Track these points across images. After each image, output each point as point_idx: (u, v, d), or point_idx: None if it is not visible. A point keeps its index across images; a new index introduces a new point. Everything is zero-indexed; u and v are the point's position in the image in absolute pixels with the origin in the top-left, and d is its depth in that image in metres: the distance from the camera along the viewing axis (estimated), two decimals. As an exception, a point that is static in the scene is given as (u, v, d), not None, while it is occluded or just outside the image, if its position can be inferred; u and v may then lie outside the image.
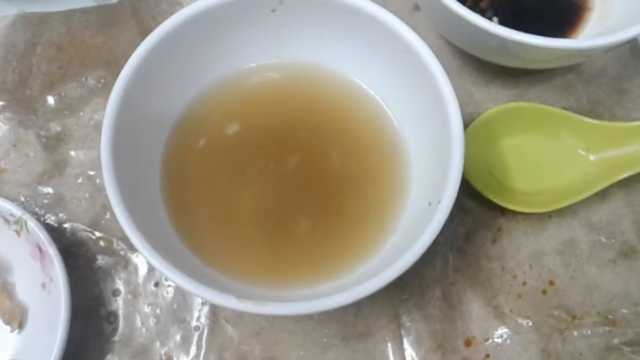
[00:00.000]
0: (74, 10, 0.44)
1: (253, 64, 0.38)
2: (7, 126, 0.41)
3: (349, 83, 0.38)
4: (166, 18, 0.43)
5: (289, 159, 0.37)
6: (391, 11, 0.33)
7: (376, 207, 0.36)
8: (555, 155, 0.41)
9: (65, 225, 0.39)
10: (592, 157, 0.40)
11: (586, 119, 0.40)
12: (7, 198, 0.39)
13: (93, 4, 0.45)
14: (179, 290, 0.38)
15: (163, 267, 0.29)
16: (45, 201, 0.39)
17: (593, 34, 0.41)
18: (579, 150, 0.40)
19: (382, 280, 0.29)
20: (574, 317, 0.38)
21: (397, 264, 0.29)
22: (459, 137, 0.31)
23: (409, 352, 0.37)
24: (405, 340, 0.37)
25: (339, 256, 0.35)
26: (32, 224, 0.35)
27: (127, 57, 0.42)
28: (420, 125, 0.36)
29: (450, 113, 0.32)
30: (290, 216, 0.36)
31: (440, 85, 0.32)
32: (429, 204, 0.32)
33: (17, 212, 0.35)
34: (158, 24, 0.43)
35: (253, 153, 0.37)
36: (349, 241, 0.35)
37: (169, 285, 0.38)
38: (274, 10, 0.35)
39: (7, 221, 0.36)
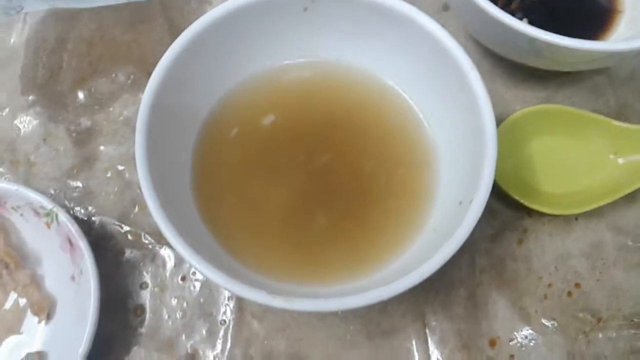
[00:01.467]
0: (105, 7, 0.45)
1: (285, 62, 0.39)
2: (37, 120, 0.42)
3: (378, 82, 0.38)
4: (195, 16, 0.44)
5: (319, 157, 0.37)
6: (420, 10, 0.34)
7: (405, 206, 0.36)
8: (583, 158, 0.41)
9: (94, 219, 0.40)
10: (620, 161, 0.41)
11: (615, 122, 0.40)
12: (37, 190, 0.40)
13: (124, 1, 0.46)
14: (205, 284, 0.38)
15: (196, 261, 0.29)
16: (75, 195, 0.40)
17: (624, 37, 0.42)
18: (607, 154, 0.41)
19: (412, 279, 0.29)
20: (599, 320, 0.38)
21: (428, 262, 0.29)
22: (492, 138, 0.31)
23: (434, 350, 0.37)
24: (429, 339, 0.38)
25: (368, 253, 0.35)
26: (62, 216, 0.36)
27: (156, 54, 0.43)
28: (450, 125, 0.36)
29: (483, 114, 0.32)
30: (319, 213, 0.36)
31: (473, 85, 0.33)
32: (460, 203, 0.33)
33: (48, 204, 0.36)
34: (187, 21, 0.44)
35: (283, 150, 0.38)
36: (378, 239, 0.36)
37: (196, 280, 0.38)
38: (305, 9, 0.36)
39: (38, 213, 0.37)
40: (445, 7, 0.45)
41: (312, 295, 0.32)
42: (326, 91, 0.39)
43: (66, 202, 0.40)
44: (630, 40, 0.37)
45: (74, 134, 0.42)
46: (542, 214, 0.40)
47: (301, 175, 0.37)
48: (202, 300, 0.38)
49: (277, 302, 0.29)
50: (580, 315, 0.38)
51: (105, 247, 0.39)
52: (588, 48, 0.36)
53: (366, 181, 0.37)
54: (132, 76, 0.43)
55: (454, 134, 0.36)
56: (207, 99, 0.37)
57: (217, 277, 0.29)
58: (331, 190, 0.37)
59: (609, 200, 0.39)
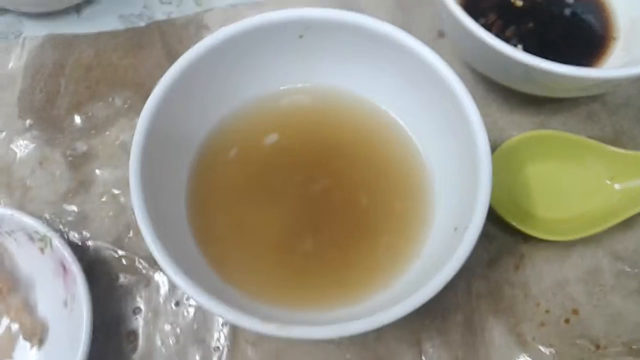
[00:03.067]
0: (103, 33, 0.46)
1: (280, 88, 0.39)
2: (34, 144, 0.42)
3: (374, 108, 0.39)
4: (193, 42, 0.45)
5: (314, 184, 0.38)
6: (415, 38, 0.35)
7: (400, 232, 0.37)
8: (580, 184, 0.41)
9: (89, 243, 0.40)
10: (617, 186, 0.41)
11: (611, 148, 0.41)
12: (32, 215, 0.40)
13: (121, 27, 0.47)
14: (199, 310, 0.38)
15: (190, 288, 0.30)
16: (70, 219, 0.41)
17: (618, 64, 0.42)
18: (604, 179, 0.41)
19: (409, 305, 0.29)
20: (597, 347, 0.38)
21: (424, 289, 0.30)
22: (486, 164, 0.32)
23: (430, 378, 0.37)
24: (426, 367, 0.38)
25: (363, 280, 0.35)
26: (56, 241, 0.36)
27: (153, 79, 0.44)
28: (446, 151, 0.37)
29: (478, 140, 0.32)
30: (314, 240, 0.37)
31: (468, 113, 0.33)
32: (455, 229, 0.33)
33: (42, 229, 0.37)
34: (185, 47, 0.44)
35: (279, 176, 0.38)
36: (373, 265, 0.36)
37: (189, 305, 0.39)
38: (301, 36, 0.37)
39: (32, 238, 0.37)
40: (441, 34, 0.46)
41: (307, 322, 0.32)
42: (323, 117, 0.39)
43: (61, 227, 0.40)
44: (624, 67, 0.37)
45: (70, 158, 0.42)
46: (539, 240, 0.40)
47: (296, 201, 0.38)
48: (195, 326, 0.38)
49: (270, 329, 0.29)
50: (579, 342, 0.38)
51: (99, 271, 0.39)
52: (582, 75, 0.36)
53: (361, 210, 0.37)
54: (129, 101, 0.44)
55: (449, 160, 0.37)
56: (203, 124, 0.38)
57: (211, 305, 0.29)
58: (326, 218, 0.37)
59: (606, 226, 0.39)
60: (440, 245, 0.35)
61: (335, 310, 0.35)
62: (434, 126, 0.37)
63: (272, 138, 0.39)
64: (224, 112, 0.38)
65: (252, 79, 0.38)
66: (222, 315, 0.30)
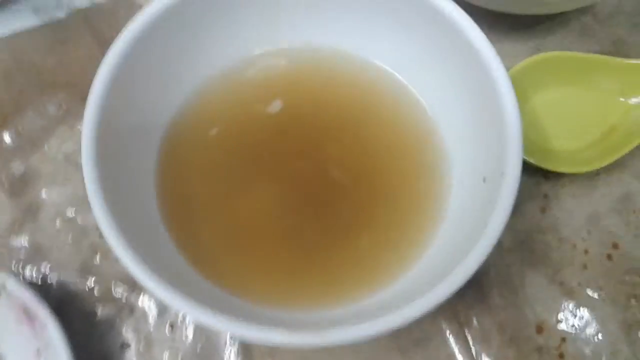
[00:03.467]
0: (17, 34, 0.39)
1: (255, 52, 0.34)
2: (-39, 176, 0.35)
3: (365, 64, 0.34)
4: (126, 25, 0.39)
5: (307, 163, 0.33)
6: None
7: (414, 198, 0.32)
8: (592, 106, 0.37)
9: (51, 279, 0.34)
10: (633, 101, 0.37)
11: (618, 60, 0.37)
12: (-25, 258, 0.34)
13: (37, 22, 0.40)
14: (199, 329, 0.33)
15: (193, 309, 0.24)
16: (22, 255, 0.34)
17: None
18: (617, 97, 0.37)
19: (460, 277, 0.26)
20: (648, 279, 0.35)
21: (471, 254, 0.26)
22: (508, 94, 0.28)
23: (479, 352, 0.33)
24: (470, 339, 0.33)
25: (382, 260, 0.31)
26: (11, 285, 0.30)
27: (87, 74, 0.37)
28: (452, 95, 0.32)
29: (495, 76, 0.28)
30: (314, 226, 0.32)
31: (478, 47, 0.29)
32: (484, 179, 0.29)
33: (-9, 272, 0.30)
34: (119, 31, 0.39)
35: (262, 159, 0.33)
36: (391, 240, 0.31)
37: (186, 326, 0.33)
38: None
39: (-19, 286, 0.31)
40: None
41: (331, 323, 0.27)
42: (306, 81, 0.34)
43: (13, 266, 0.34)
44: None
45: (6, 184, 0.35)
46: (559, 175, 0.36)
47: (287, 184, 0.32)
48: (199, 348, 0.32)
49: (304, 338, 0.24)
50: (627, 278, 0.34)
51: (70, 309, 0.33)
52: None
53: (365, 184, 0.33)
54: (63, 105, 0.37)
55: (456, 104, 0.32)
56: (163, 110, 0.32)
57: (222, 323, 0.24)
58: (330, 193, 0.32)
59: (629, 147, 0.35)
60: (468, 202, 0.30)
61: (364, 301, 0.30)
62: (432, 69, 0.32)
63: (250, 112, 0.33)
64: (188, 90, 0.33)
65: (217, 44, 0.32)
66: (241, 334, 0.24)
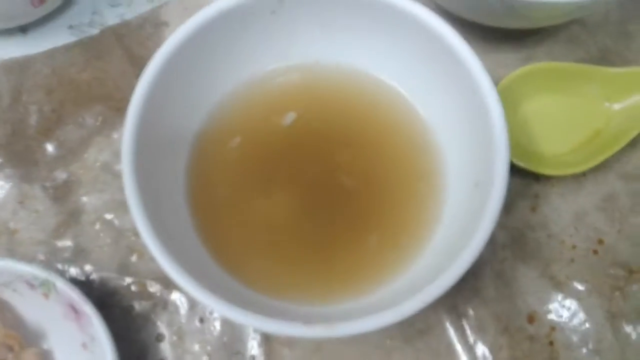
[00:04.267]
0: (55, 49, 0.40)
1: (269, 68, 0.34)
2: (10, 184, 0.36)
3: (370, 78, 0.34)
4: (153, 41, 0.39)
5: (319, 170, 0.33)
6: None
7: (415, 199, 0.33)
8: (579, 112, 0.37)
9: (93, 277, 0.35)
10: (616, 107, 0.37)
11: (603, 69, 0.37)
12: (25, 259, 0.35)
13: (73, 38, 0.40)
14: (226, 322, 0.34)
15: (220, 305, 0.26)
16: (66, 255, 0.35)
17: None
18: (602, 102, 0.37)
19: (456, 272, 0.26)
20: (630, 272, 0.35)
21: (465, 252, 0.26)
22: (496, 107, 0.28)
23: (475, 340, 0.34)
24: (468, 330, 0.34)
25: (388, 257, 0.32)
26: (60, 283, 0.31)
27: (121, 88, 0.39)
28: (445, 104, 0.32)
29: (481, 85, 0.29)
30: (329, 224, 0.33)
31: (464, 61, 0.29)
32: (476, 184, 0.29)
33: (41, 274, 0.31)
34: (146, 47, 0.39)
35: (279, 166, 0.33)
36: (395, 239, 0.32)
37: (214, 319, 0.34)
38: (273, 12, 0.31)
39: (32, 285, 0.32)
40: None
41: (341, 315, 0.28)
42: (315, 93, 0.34)
43: (59, 266, 0.35)
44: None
45: (51, 191, 0.36)
46: (549, 177, 0.36)
47: (303, 187, 0.33)
48: (225, 339, 0.34)
49: (317, 331, 0.25)
50: (611, 271, 0.35)
51: (110, 304, 0.34)
52: (563, 1, 0.32)
53: (372, 187, 0.33)
54: (100, 117, 0.38)
55: (450, 114, 0.32)
56: (190, 123, 0.33)
57: (245, 317, 0.26)
58: (338, 194, 0.33)
59: (614, 150, 0.36)
60: (462, 204, 0.31)
61: (366, 296, 0.31)
62: (430, 81, 0.32)
63: (267, 123, 0.34)
64: (211, 104, 0.33)
65: (233, 64, 0.33)
66: (261, 327, 0.26)
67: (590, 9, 0.37)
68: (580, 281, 0.35)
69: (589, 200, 0.37)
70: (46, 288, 0.32)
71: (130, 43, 0.40)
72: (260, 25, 0.32)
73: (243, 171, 0.33)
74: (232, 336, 0.34)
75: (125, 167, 0.28)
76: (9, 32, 0.40)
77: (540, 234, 0.36)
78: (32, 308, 0.33)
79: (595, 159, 0.36)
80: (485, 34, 0.40)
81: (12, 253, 0.35)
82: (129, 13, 0.41)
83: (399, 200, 0.33)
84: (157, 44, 0.39)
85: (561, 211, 0.36)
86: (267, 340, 0.34)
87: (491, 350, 0.33)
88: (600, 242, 0.36)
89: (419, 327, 0.34)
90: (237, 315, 0.26)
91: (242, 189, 0.33)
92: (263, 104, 0.34)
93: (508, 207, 0.36)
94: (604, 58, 0.40)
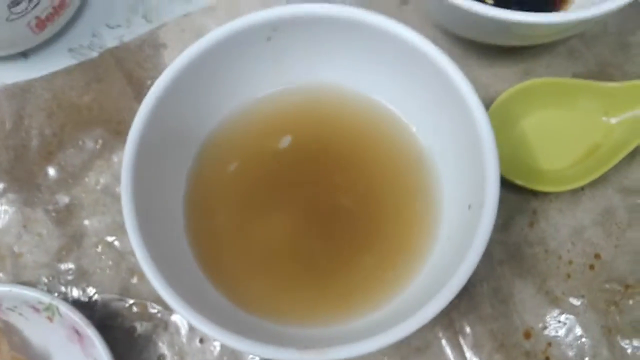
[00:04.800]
0: (55, 73, 0.41)
1: (266, 92, 0.35)
2: (13, 208, 0.38)
3: (358, 97, 0.35)
4: (152, 63, 0.40)
5: (316, 192, 0.34)
6: (377, 8, 0.31)
7: (411, 220, 0.33)
8: (576, 127, 0.38)
9: (95, 298, 0.36)
10: (613, 121, 0.38)
11: (600, 84, 0.37)
12: (29, 282, 0.36)
13: (74, 61, 0.41)
14: (225, 342, 0.35)
15: (211, 330, 0.27)
16: (69, 278, 0.36)
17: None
18: (599, 117, 0.38)
19: (448, 294, 0.27)
20: (626, 287, 0.36)
21: (458, 273, 0.27)
22: (487, 132, 0.29)
23: (471, 357, 0.35)
24: (464, 346, 0.35)
25: (384, 279, 0.32)
26: (64, 308, 0.32)
27: (120, 110, 0.40)
28: (439, 127, 0.33)
29: (471, 106, 0.29)
30: (325, 246, 0.33)
31: (456, 85, 0.30)
32: (469, 206, 0.30)
33: (45, 298, 0.33)
34: (145, 69, 0.40)
35: (276, 188, 0.34)
36: (392, 260, 0.33)
37: (214, 339, 0.35)
38: (269, 39, 0.32)
39: (37, 309, 0.33)
40: (404, 1, 0.41)
41: (339, 338, 0.29)
42: (312, 115, 0.35)
43: (62, 288, 0.36)
44: (601, 3, 0.33)
45: (53, 214, 0.38)
46: (547, 192, 0.37)
47: (299, 208, 0.34)
48: (225, 359, 0.35)
49: (310, 356, 0.26)
50: (607, 286, 0.36)
51: (112, 326, 0.35)
52: (560, 21, 0.33)
53: (368, 208, 0.34)
54: (100, 140, 0.39)
55: (443, 134, 0.33)
56: (188, 148, 0.34)
57: (238, 343, 0.26)
58: (335, 217, 0.34)
59: (612, 164, 0.36)
60: (457, 226, 0.31)
61: (361, 319, 0.31)
62: (424, 104, 0.33)
63: (264, 146, 0.35)
64: (208, 128, 0.34)
65: (230, 90, 0.34)
66: (255, 352, 0.27)
67: (585, 27, 0.37)
68: (577, 296, 0.36)
69: (586, 215, 0.37)
70: (50, 312, 0.33)
71: (128, 65, 0.41)
72: (256, 51, 0.33)
73: (240, 195, 0.34)
74: (232, 356, 0.35)
75: (124, 192, 0.29)
76: (10, 57, 0.42)
77: (537, 250, 0.36)
78: (37, 331, 0.34)
79: (594, 173, 0.36)
80: (483, 49, 0.40)
81: (17, 277, 0.36)
82: (128, 35, 0.42)
83: (395, 219, 0.34)
84: (156, 66, 0.40)
85: (559, 226, 0.37)
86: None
87: (487, 367, 0.34)
88: (597, 256, 0.36)
89: (416, 344, 0.35)
90: (231, 341, 0.26)
91: (239, 212, 0.34)
92: (259, 129, 0.35)
93: (506, 223, 0.37)
94: (603, 71, 0.40)
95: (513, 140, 0.38)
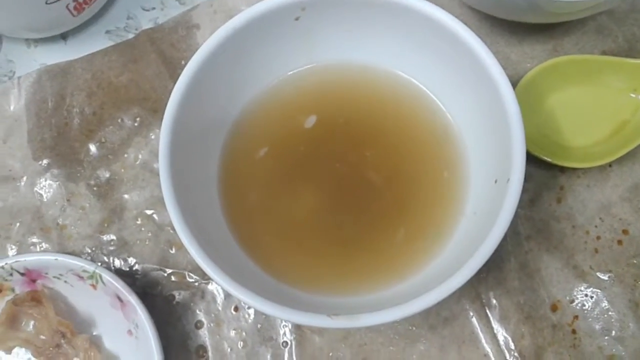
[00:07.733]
0: (94, 54, 0.44)
1: (290, 72, 0.38)
2: (57, 182, 0.42)
3: (389, 74, 0.38)
4: (186, 43, 0.44)
5: (345, 167, 0.37)
6: None
7: (439, 194, 0.36)
8: (605, 103, 0.40)
9: (136, 268, 0.40)
10: (642, 97, 0.40)
11: (629, 60, 0.39)
12: (73, 252, 0.40)
13: (110, 43, 0.45)
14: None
15: (247, 297, 0.29)
16: (111, 248, 0.40)
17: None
18: (628, 93, 0.40)
19: (473, 266, 0.29)
20: (654, 262, 0.38)
21: (483, 246, 0.29)
22: (514, 108, 0.31)
23: (498, 329, 0.37)
24: (491, 318, 0.37)
25: (411, 251, 0.35)
26: (107, 276, 0.36)
27: (156, 89, 0.43)
28: (466, 103, 0.35)
29: (500, 86, 0.31)
30: (355, 219, 0.36)
31: (483, 60, 0.32)
32: (495, 181, 0.32)
33: (90, 267, 0.36)
34: (179, 50, 0.44)
35: (305, 163, 0.37)
36: (419, 233, 0.35)
37: (248, 307, 0.38)
38: (297, 19, 0.35)
39: (81, 277, 0.37)
40: (434, -20, 0.44)
41: (369, 307, 0.32)
42: (339, 94, 0.38)
43: (104, 258, 0.40)
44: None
45: (95, 188, 0.41)
46: (575, 168, 0.39)
47: (330, 180, 0.37)
48: (259, 326, 0.38)
49: (340, 322, 0.29)
50: (635, 261, 0.38)
51: (152, 294, 0.39)
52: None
53: (396, 182, 0.37)
54: (138, 118, 0.43)
55: (472, 111, 0.35)
56: (221, 125, 0.37)
57: (277, 311, 0.29)
58: (366, 188, 0.37)
59: (639, 141, 0.38)
60: (483, 201, 0.34)
61: (391, 288, 0.34)
62: (451, 81, 0.36)
63: (293, 122, 0.38)
64: (239, 106, 0.38)
65: (258, 69, 0.37)
66: (289, 318, 0.29)
67: (613, 3, 0.39)
68: (604, 271, 0.38)
69: (614, 191, 0.39)
70: (94, 280, 0.37)
71: (162, 46, 0.44)
72: (284, 31, 0.36)
73: (271, 171, 0.37)
74: (266, 323, 0.38)
75: (162, 167, 0.32)
76: (51, 39, 0.46)
77: (565, 225, 0.39)
78: (82, 298, 0.38)
79: (621, 150, 0.39)
80: (512, 27, 0.43)
81: (62, 247, 0.40)
82: (162, 16, 0.45)
83: (424, 191, 0.37)
84: (189, 46, 0.43)
85: (586, 202, 0.39)
86: (298, 327, 0.38)
87: (513, 338, 0.37)
88: (625, 232, 0.39)
89: (444, 315, 0.38)
90: (266, 307, 0.29)
91: (270, 188, 0.37)
92: (287, 107, 0.38)
93: (533, 199, 0.39)
94: (632, 48, 0.42)
95: (541, 117, 0.40)
